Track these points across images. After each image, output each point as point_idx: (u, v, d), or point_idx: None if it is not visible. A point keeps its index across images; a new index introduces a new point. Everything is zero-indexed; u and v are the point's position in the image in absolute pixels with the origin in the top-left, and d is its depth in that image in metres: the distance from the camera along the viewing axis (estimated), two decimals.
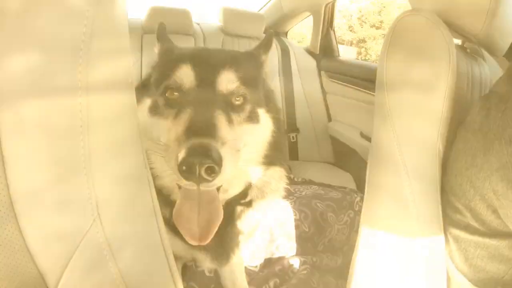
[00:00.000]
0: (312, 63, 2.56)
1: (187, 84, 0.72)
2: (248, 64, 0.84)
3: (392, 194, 0.79)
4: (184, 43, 2.23)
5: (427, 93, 0.76)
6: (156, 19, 2.17)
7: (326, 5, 2.41)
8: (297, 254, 1.47)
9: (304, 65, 2.54)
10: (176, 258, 0.66)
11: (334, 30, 2.54)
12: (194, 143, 0.58)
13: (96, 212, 0.48)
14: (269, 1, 2.75)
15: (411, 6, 0.94)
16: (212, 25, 2.52)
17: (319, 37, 2.52)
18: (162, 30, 0.97)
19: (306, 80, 2.52)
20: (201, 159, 0.56)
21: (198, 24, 2.51)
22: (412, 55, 0.80)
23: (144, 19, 2.23)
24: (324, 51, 2.55)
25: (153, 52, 1.97)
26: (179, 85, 0.72)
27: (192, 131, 0.61)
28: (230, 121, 0.71)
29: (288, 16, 2.64)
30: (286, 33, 2.86)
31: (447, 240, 0.78)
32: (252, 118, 0.79)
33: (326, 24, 2.49)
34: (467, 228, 0.71)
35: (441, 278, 0.79)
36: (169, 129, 0.67)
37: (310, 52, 2.62)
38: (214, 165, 0.56)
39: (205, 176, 0.57)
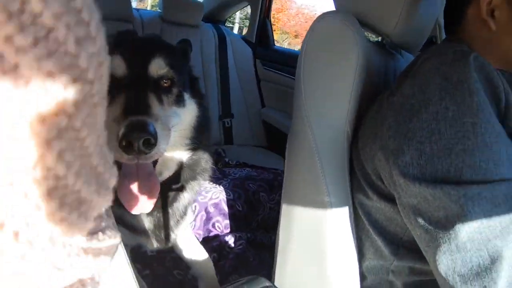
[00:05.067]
0: (248, 51, 2.64)
1: (119, 73, 0.76)
2: (175, 52, 0.90)
3: (306, 172, 0.91)
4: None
5: (336, 86, 0.87)
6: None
7: None
8: (231, 231, 1.58)
9: (240, 53, 2.61)
10: (124, 246, 0.71)
11: (270, 20, 2.65)
12: (132, 120, 0.65)
13: None
14: None
15: (335, 7, 1.06)
16: (151, 13, 2.47)
17: (256, 27, 2.61)
18: None
19: (242, 68, 2.60)
20: (139, 133, 0.63)
21: (138, 10, 2.43)
22: (325, 52, 0.90)
23: None
24: (260, 40, 2.65)
25: None
26: (111, 74, 0.74)
27: (129, 110, 0.68)
28: (160, 101, 0.77)
29: (226, 5, 2.68)
30: (224, 21, 2.90)
31: (355, 207, 0.92)
32: (179, 101, 0.86)
33: (263, 14, 2.59)
34: (366, 195, 0.86)
35: (350, 242, 0.92)
36: (107, 113, 0.71)
37: (246, 40, 2.69)
38: (151, 138, 0.64)
39: (143, 149, 0.64)
